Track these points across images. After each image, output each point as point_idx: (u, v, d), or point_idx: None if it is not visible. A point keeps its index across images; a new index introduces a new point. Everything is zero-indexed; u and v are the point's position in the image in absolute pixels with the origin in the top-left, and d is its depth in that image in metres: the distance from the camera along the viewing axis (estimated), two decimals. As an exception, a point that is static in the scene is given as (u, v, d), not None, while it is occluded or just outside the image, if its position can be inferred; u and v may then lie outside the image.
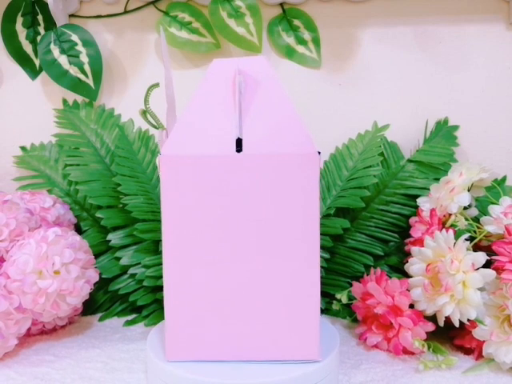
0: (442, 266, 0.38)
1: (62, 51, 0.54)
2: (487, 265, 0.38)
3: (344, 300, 0.45)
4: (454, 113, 0.53)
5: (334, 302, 0.46)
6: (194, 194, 0.32)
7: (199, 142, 0.32)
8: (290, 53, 0.54)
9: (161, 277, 0.39)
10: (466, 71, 0.53)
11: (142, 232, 0.49)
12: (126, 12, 0.56)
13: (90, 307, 0.51)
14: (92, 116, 0.56)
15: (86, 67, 0.55)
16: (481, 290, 0.37)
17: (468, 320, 0.37)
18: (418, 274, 0.40)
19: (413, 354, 0.40)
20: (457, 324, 0.37)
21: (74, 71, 0.55)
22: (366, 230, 0.50)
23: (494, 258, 0.38)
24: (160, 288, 0.43)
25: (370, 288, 0.42)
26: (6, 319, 0.39)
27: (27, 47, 0.57)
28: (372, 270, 0.44)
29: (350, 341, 0.44)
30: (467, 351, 0.41)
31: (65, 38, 0.54)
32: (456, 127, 0.52)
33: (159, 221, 0.34)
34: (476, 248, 0.40)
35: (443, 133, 0.52)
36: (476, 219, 0.44)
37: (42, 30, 0.56)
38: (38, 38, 0.56)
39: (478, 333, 0.38)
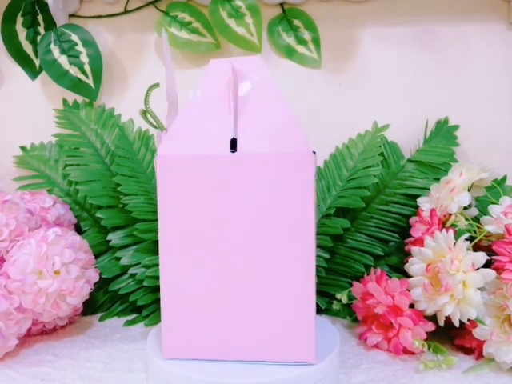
0: (442, 266, 0.38)
1: (62, 51, 0.54)
2: (487, 265, 0.38)
3: (344, 300, 0.45)
4: (454, 113, 0.53)
5: (335, 301, 0.46)
6: (189, 193, 0.32)
7: (195, 141, 0.32)
8: (290, 53, 0.54)
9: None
10: (466, 71, 0.53)
11: (142, 232, 0.49)
12: (126, 12, 0.56)
13: (91, 307, 0.51)
14: (92, 116, 0.56)
15: (86, 67, 0.55)
16: (481, 289, 0.37)
17: (468, 320, 0.37)
18: (418, 274, 0.40)
19: (413, 353, 0.40)
20: (457, 324, 0.37)
21: (74, 71, 0.55)
22: (366, 229, 0.50)
23: (494, 257, 0.38)
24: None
25: (370, 288, 0.42)
26: (6, 319, 0.39)
27: (27, 47, 0.57)
28: (372, 269, 0.44)
29: (350, 341, 0.44)
30: (467, 351, 0.41)
31: (65, 38, 0.54)
32: (456, 127, 0.52)
33: (159, 221, 0.34)
34: (476, 248, 0.40)
35: (443, 133, 0.52)
36: (476, 219, 0.44)
37: (42, 30, 0.56)
38: (38, 38, 0.56)
39: (478, 333, 0.38)
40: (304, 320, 0.31)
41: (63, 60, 0.54)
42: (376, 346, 0.42)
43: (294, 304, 0.31)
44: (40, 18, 0.56)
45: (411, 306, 0.40)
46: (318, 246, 0.48)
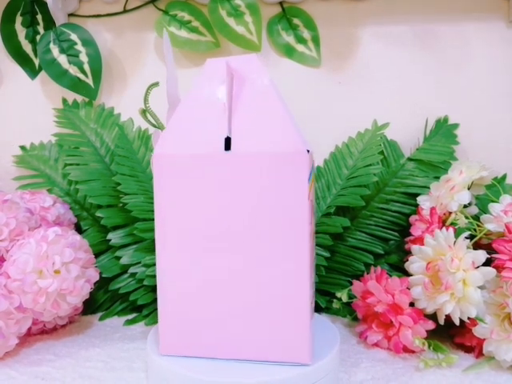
0: (442, 265, 0.38)
1: (62, 50, 0.54)
2: (487, 263, 0.38)
3: (344, 298, 0.45)
4: (453, 111, 0.53)
5: (335, 300, 0.46)
6: (185, 191, 0.32)
7: (191, 141, 0.32)
8: (289, 52, 0.54)
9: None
10: (465, 69, 0.53)
11: (142, 231, 0.49)
12: (125, 11, 0.56)
13: (91, 306, 0.51)
14: (92, 115, 0.56)
15: (86, 66, 0.55)
16: (481, 288, 0.37)
17: (468, 318, 0.37)
18: (418, 273, 0.40)
19: (413, 352, 0.40)
20: (457, 322, 0.37)
21: (73, 70, 0.55)
22: (366, 228, 0.50)
23: (494, 256, 0.38)
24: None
25: (371, 286, 0.42)
26: (6, 319, 0.39)
27: (26, 47, 0.57)
28: (372, 268, 0.44)
29: (350, 339, 0.44)
30: (467, 349, 0.41)
31: (64, 37, 0.54)
32: (456, 125, 0.52)
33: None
34: (476, 246, 0.40)
35: (443, 131, 0.52)
36: (476, 217, 0.44)
37: (41, 29, 0.56)
38: (38, 37, 0.56)
39: (478, 331, 0.38)
40: (299, 320, 0.31)
41: (62, 59, 0.54)
42: (376, 345, 0.42)
43: (289, 304, 0.31)
44: (39, 17, 0.56)
45: (411, 304, 0.40)
46: (318, 245, 0.48)
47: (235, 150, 0.31)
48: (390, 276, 0.42)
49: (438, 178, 0.47)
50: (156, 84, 0.42)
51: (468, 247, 0.38)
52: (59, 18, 0.54)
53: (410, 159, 0.51)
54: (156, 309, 0.49)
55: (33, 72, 0.58)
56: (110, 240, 0.51)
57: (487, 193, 0.46)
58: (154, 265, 0.48)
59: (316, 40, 0.54)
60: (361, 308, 0.44)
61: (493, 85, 0.53)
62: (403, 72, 0.54)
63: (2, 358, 0.40)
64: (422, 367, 0.38)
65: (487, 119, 0.53)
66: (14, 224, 0.43)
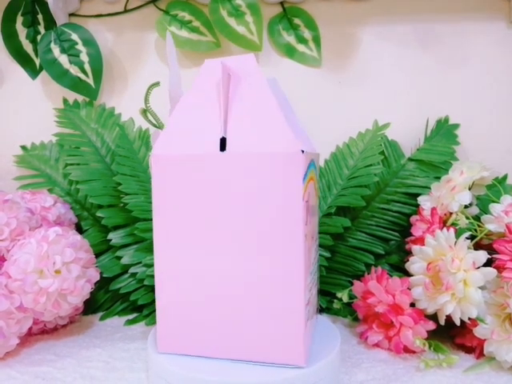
0: (442, 265, 0.38)
1: (63, 50, 0.54)
2: (488, 263, 0.38)
3: (345, 299, 0.45)
4: (454, 111, 0.53)
5: (335, 300, 0.46)
6: (182, 192, 0.32)
7: (188, 141, 0.32)
8: (290, 52, 0.54)
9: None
10: (466, 69, 0.53)
11: (143, 231, 0.49)
12: (126, 11, 0.56)
13: (91, 306, 0.51)
14: (92, 115, 0.56)
15: (87, 66, 0.55)
16: (482, 288, 0.37)
17: (469, 318, 0.37)
18: (418, 273, 0.40)
19: (414, 352, 0.40)
20: (458, 323, 0.37)
21: (74, 70, 0.55)
22: (366, 228, 0.50)
23: (494, 256, 0.38)
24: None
25: (371, 287, 0.42)
26: (7, 318, 0.39)
27: (27, 47, 0.57)
28: (373, 268, 0.44)
29: (350, 339, 0.44)
30: (468, 350, 0.41)
31: (65, 37, 0.54)
32: (457, 125, 0.52)
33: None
34: (477, 246, 0.40)
35: (444, 131, 0.52)
36: (477, 218, 0.43)
37: (42, 29, 0.56)
38: (38, 37, 0.56)
39: (478, 331, 0.38)
40: (294, 322, 0.31)
41: (63, 59, 0.54)
42: (377, 345, 0.42)
43: (284, 305, 0.31)
44: (40, 17, 0.56)
45: (412, 304, 0.40)
46: (319, 245, 0.48)
47: (230, 151, 0.31)
48: (391, 276, 0.42)
49: (438, 178, 0.47)
50: (157, 84, 0.42)
51: (469, 247, 0.38)
52: (60, 18, 0.54)
53: (410, 159, 0.51)
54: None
55: (33, 72, 0.58)
56: (110, 240, 0.51)
57: (488, 193, 0.46)
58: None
59: (317, 40, 0.54)
60: (361, 308, 0.44)
61: (494, 85, 0.53)
62: (404, 72, 0.54)
63: (2, 357, 0.40)
64: (423, 368, 0.38)
65: (488, 119, 0.53)
66: (14, 224, 0.43)
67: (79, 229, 0.53)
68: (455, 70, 0.53)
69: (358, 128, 0.53)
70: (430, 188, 0.47)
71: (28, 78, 0.58)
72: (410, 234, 0.46)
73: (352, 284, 0.45)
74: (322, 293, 0.49)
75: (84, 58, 0.54)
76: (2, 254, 0.43)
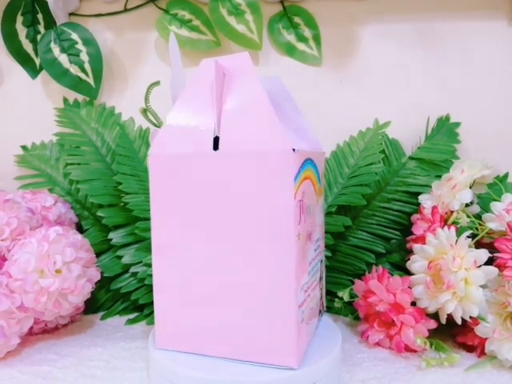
0: (443, 264, 0.38)
1: (63, 50, 0.54)
2: (489, 262, 0.37)
3: (346, 298, 0.45)
4: (455, 109, 0.53)
5: (336, 299, 0.46)
6: (178, 191, 0.33)
7: (184, 140, 0.33)
8: (290, 50, 0.54)
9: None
10: (467, 67, 0.53)
11: (143, 230, 0.49)
12: (125, 10, 0.56)
13: (92, 306, 0.51)
14: (93, 115, 0.56)
15: (87, 66, 0.55)
16: (483, 287, 0.37)
17: (470, 317, 0.37)
18: (419, 272, 0.40)
19: (415, 351, 0.40)
20: (459, 321, 0.37)
21: (74, 70, 0.55)
22: (367, 227, 0.50)
23: (496, 255, 0.38)
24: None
25: (372, 286, 0.42)
26: (7, 318, 0.39)
27: (27, 46, 0.57)
28: (374, 267, 0.44)
29: (352, 338, 0.44)
30: (469, 348, 0.41)
31: (65, 36, 0.54)
32: (457, 124, 0.52)
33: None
34: (478, 245, 0.40)
35: (445, 130, 0.52)
36: (478, 216, 0.43)
37: (42, 28, 0.56)
38: (38, 36, 0.56)
39: (480, 330, 0.38)
40: (286, 323, 0.31)
41: (63, 59, 0.54)
42: (378, 344, 0.42)
43: (275, 306, 0.31)
44: (40, 16, 0.56)
45: (413, 303, 0.40)
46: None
47: (222, 150, 0.31)
48: (392, 275, 0.42)
49: (439, 176, 0.47)
50: (157, 83, 0.42)
51: (470, 246, 0.38)
52: (60, 18, 0.54)
53: (411, 158, 0.51)
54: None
55: (33, 71, 0.58)
56: (111, 239, 0.51)
57: (489, 191, 0.46)
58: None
59: (317, 38, 0.54)
60: (362, 307, 0.44)
61: (494, 83, 0.53)
62: (405, 70, 0.54)
63: (3, 357, 0.40)
64: (424, 366, 0.38)
65: (489, 118, 0.53)
66: (15, 223, 0.43)
67: (80, 228, 0.53)
68: (456, 68, 0.53)
69: (358, 126, 0.53)
70: (430, 186, 0.46)
71: (28, 78, 0.58)
72: (411, 233, 0.46)
73: (353, 283, 0.45)
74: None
75: (84, 57, 0.54)
76: (2, 254, 0.43)
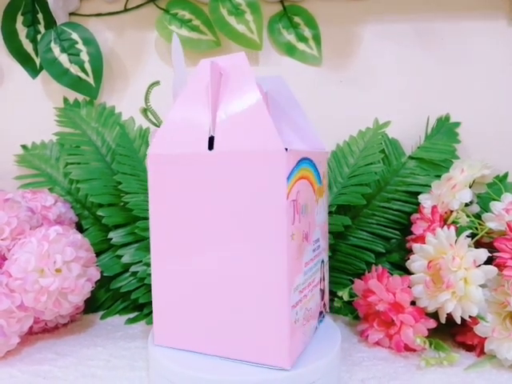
0: (443, 263, 0.38)
1: (63, 50, 0.54)
2: (489, 261, 0.38)
3: (345, 297, 0.45)
4: (455, 109, 0.53)
5: (336, 299, 0.46)
6: (175, 190, 0.33)
7: (181, 140, 0.33)
8: (290, 50, 0.54)
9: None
10: (467, 67, 0.53)
11: (143, 230, 0.49)
12: (126, 10, 0.56)
13: (92, 305, 0.51)
14: (93, 114, 0.56)
15: (87, 65, 0.55)
16: (482, 286, 0.37)
17: (470, 317, 0.37)
18: (419, 271, 0.40)
19: (414, 350, 0.40)
20: (458, 321, 0.37)
21: (74, 70, 0.55)
22: (367, 227, 0.50)
23: (495, 254, 0.38)
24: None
25: (372, 285, 0.42)
26: (7, 317, 0.39)
27: (27, 46, 0.57)
28: (373, 267, 0.44)
29: (351, 338, 0.44)
30: (469, 348, 0.41)
31: (65, 36, 0.54)
32: (457, 124, 0.52)
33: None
34: (477, 245, 0.40)
35: (444, 129, 0.52)
36: (478, 216, 0.43)
37: (42, 28, 0.56)
38: (39, 36, 0.56)
39: (479, 329, 0.38)
40: (278, 323, 0.31)
41: (63, 58, 0.54)
42: (377, 343, 0.42)
43: (268, 306, 0.31)
44: (40, 16, 0.56)
45: (412, 303, 0.40)
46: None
47: (217, 150, 0.32)
48: (392, 275, 0.42)
49: (439, 176, 0.47)
50: (157, 83, 0.42)
51: (469, 246, 0.38)
52: (60, 17, 0.54)
53: (411, 158, 0.51)
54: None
55: (34, 71, 0.58)
56: (111, 239, 0.51)
57: (489, 191, 0.46)
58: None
59: (317, 38, 0.54)
60: (362, 307, 0.44)
61: (494, 83, 0.53)
62: (404, 70, 0.54)
63: (3, 356, 0.40)
64: (424, 366, 0.38)
65: (489, 117, 0.53)
66: (15, 223, 0.43)
67: (80, 228, 0.53)
68: (456, 67, 0.53)
69: (358, 126, 0.53)
70: (430, 186, 0.46)
71: (28, 78, 0.58)
72: (411, 233, 0.46)
73: (353, 282, 0.45)
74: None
75: (84, 57, 0.54)
76: (2, 253, 0.43)
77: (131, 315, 0.50)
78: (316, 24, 0.54)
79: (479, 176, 0.43)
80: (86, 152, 0.54)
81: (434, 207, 0.43)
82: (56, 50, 0.54)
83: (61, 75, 0.54)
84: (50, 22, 0.55)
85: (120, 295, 0.51)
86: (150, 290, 0.49)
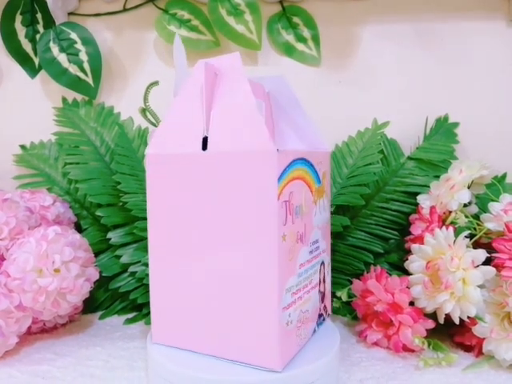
0: (441, 264, 0.38)
1: (62, 49, 0.54)
2: (487, 262, 0.38)
3: (344, 297, 0.45)
4: (454, 110, 0.53)
5: (334, 299, 0.46)
6: (171, 190, 0.33)
7: (178, 140, 0.33)
8: (289, 50, 0.54)
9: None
10: (466, 68, 0.53)
11: (142, 230, 0.49)
12: (125, 10, 0.56)
13: (91, 305, 0.51)
14: (91, 114, 0.56)
15: (86, 65, 0.55)
16: (481, 287, 0.37)
17: (468, 317, 0.37)
18: (417, 272, 0.40)
19: (413, 351, 0.40)
20: (457, 321, 0.37)
21: (73, 69, 0.55)
22: (366, 227, 0.50)
23: (494, 255, 0.38)
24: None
25: (370, 285, 0.42)
26: (6, 317, 0.39)
27: (26, 46, 0.57)
28: (372, 267, 0.44)
29: (350, 338, 0.44)
30: (467, 348, 0.41)
31: (64, 36, 0.54)
32: (456, 124, 0.52)
33: (159, 219, 0.35)
34: (476, 245, 0.40)
35: (443, 130, 0.52)
36: (476, 216, 0.44)
37: (41, 28, 0.56)
38: (37, 36, 0.56)
39: (478, 330, 0.38)
40: (267, 325, 0.30)
41: (62, 58, 0.54)
42: (376, 344, 0.42)
43: (259, 307, 0.31)
44: (39, 16, 0.56)
45: (411, 303, 0.40)
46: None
47: (210, 150, 0.32)
48: (390, 275, 0.42)
49: (438, 176, 0.47)
50: (156, 83, 0.42)
51: (468, 246, 0.38)
52: (59, 17, 0.54)
53: (410, 158, 0.51)
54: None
55: (33, 71, 0.58)
56: (109, 239, 0.51)
57: (487, 192, 0.46)
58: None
59: (316, 39, 0.54)
60: (360, 307, 0.44)
61: (493, 84, 0.53)
62: (403, 71, 0.54)
63: (2, 356, 0.40)
64: (422, 366, 0.38)
65: (488, 118, 0.53)
66: (13, 223, 0.43)
67: (78, 228, 0.53)
68: (455, 68, 0.53)
69: (357, 127, 0.53)
70: (429, 187, 0.47)
71: (27, 77, 0.58)
72: (410, 233, 0.46)
73: (351, 283, 0.45)
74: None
75: (83, 56, 0.54)
76: (1, 253, 0.43)
77: (130, 315, 0.50)
78: (315, 24, 0.54)
79: (478, 176, 0.43)
80: (84, 152, 0.54)
81: (432, 208, 0.43)
82: (55, 49, 0.54)
83: (60, 75, 0.54)
84: (49, 22, 0.55)
85: (119, 295, 0.51)
86: (148, 290, 0.49)
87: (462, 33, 0.53)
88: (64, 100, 0.57)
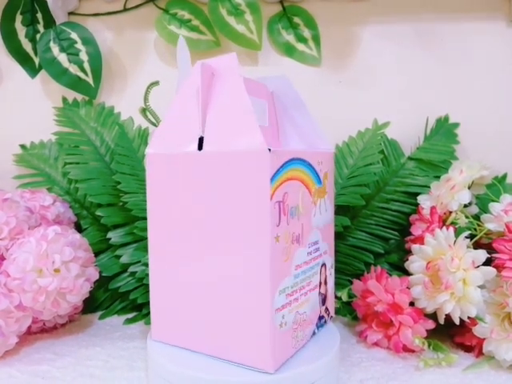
0: (442, 264, 0.38)
1: (62, 49, 0.54)
2: (487, 262, 0.38)
3: (344, 298, 0.45)
4: (454, 110, 0.53)
5: (335, 299, 0.46)
6: (169, 190, 0.34)
7: (176, 140, 0.33)
8: (290, 50, 0.54)
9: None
10: (466, 68, 0.53)
11: (142, 230, 0.49)
12: (125, 10, 0.56)
13: (91, 305, 0.51)
14: (92, 114, 0.56)
15: (86, 65, 0.55)
16: (481, 287, 0.37)
17: (468, 318, 0.37)
18: (418, 272, 0.40)
19: (413, 351, 0.40)
20: (457, 322, 0.37)
21: (73, 69, 0.54)
22: (366, 227, 0.50)
23: (494, 255, 0.38)
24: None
25: (371, 286, 0.42)
26: (6, 317, 0.39)
27: (27, 45, 0.57)
28: (372, 267, 0.44)
29: (350, 338, 0.44)
30: (467, 349, 0.41)
31: (64, 36, 0.54)
32: (456, 124, 0.52)
33: (159, 219, 0.35)
34: (476, 246, 0.40)
35: (444, 130, 0.52)
36: (476, 217, 0.43)
37: (41, 28, 0.56)
38: (38, 36, 0.56)
39: (478, 330, 0.38)
40: (260, 327, 0.30)
41: (63, 58, 0.54)
42: (376, 344, 0.42)
43: (251, 307, 0.31)
44: (39, 15, 0.56)
45: (411, 303, 0.40)
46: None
47: (205, 150, 0.32)
48: (390, 275, 0.42)
49: (438, 177, 0.47)
50: (156, 83, 0.42)
51: (468, 247, 0.38)
52: (59, 17, 0.54)
53: (410, 158, 0.51)
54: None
55: (33, 71, 0.58)
56: (109, 239, 0.51)
57: (487, 192, 0.46)
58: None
59: (316, 39, 0.54)
60: (361, 307, 0.44)
61: (493, 84, 0.53)
62: (404, 71, 0.54)
63: (2, 356, 0.40)
64: (422, 367, 0.38)
65: (488, 118, 0.53)
66: (13, 223, 0.43)
67: (78, 228, 0.53)
68: (455, 68, 0.53)
69: (357, 127, 0.53)
70: (429, 187, 0.47)
71: (27, 77, 0.58)
72: (410, 233, 0.46)
73: (351, 283, 0.45)
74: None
75: (83, 56, 0.54)
76: (1, 253, 0.43)
77: (130, 315, 0.50)
78: (315, 24, 0.54)
79: (478, 177, 0.43)
80: (84, 152, 0.54)
81: (432, 208, 0.43)
82: (55, 49, 0.54)
83: (60, 75, 0.54)
84: (49, 22, 0.55)
85: (118, 295, 0.51)
86: (148, 290, 0.49)
87: (462, 33, 0.53)
88: (64, 100, 0.57)
